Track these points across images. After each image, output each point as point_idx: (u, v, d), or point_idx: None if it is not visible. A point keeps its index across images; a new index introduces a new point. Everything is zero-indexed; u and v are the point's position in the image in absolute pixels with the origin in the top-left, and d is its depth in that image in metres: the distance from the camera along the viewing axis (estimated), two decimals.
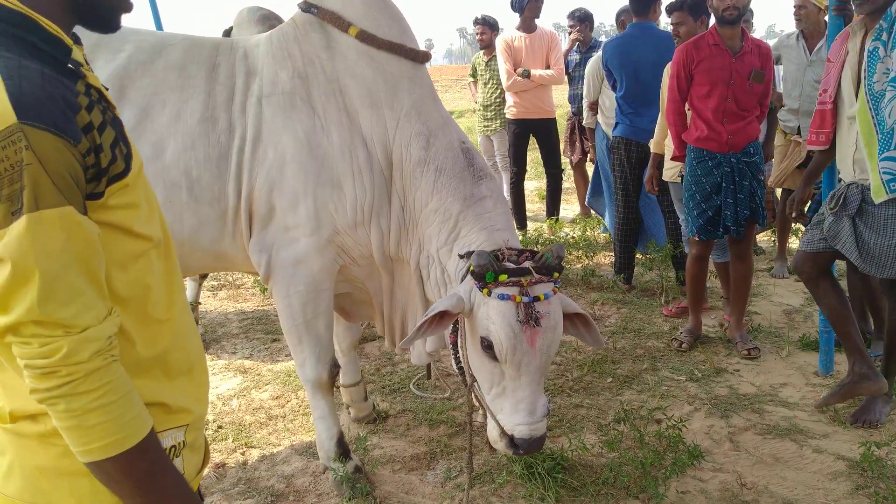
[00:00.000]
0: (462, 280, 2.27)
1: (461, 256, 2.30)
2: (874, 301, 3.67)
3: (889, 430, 3.06)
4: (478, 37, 6.79)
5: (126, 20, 1.22)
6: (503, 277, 2.06)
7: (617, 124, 4.92)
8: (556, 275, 2.14)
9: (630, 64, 4.67)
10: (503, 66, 6.08)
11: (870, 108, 2.82)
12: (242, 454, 3.15)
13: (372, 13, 2.50)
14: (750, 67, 3.67)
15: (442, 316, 2.18)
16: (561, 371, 3.79)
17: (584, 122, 6.03)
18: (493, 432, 2.19)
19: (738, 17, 3.60)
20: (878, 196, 2.85)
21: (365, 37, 2.46)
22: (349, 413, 3.39)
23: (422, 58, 2.56)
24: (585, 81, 5.77)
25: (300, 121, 2.45)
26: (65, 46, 1.05)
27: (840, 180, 3.13)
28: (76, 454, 1.03)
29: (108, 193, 1.06)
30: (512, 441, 2.12)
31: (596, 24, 6.72)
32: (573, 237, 5.83)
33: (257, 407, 3.58)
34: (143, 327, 1.16)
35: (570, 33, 6.53)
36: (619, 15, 5.65)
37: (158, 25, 5.74)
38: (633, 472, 2.71)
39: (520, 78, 5.98)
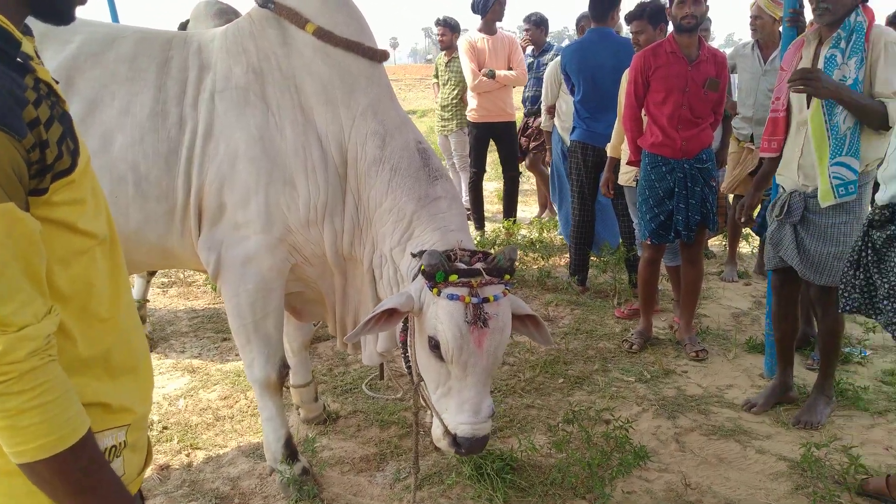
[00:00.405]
0: (413, 279, 2.26)
1: (413, 255, 2.29)
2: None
3: (829, 432, 3.14)
4: (438, 38, 6.79)
5: (81, 12, 1.20)
6: (453, 278, 2.06)
7: (574, 129, 4.96)
8: (508, 277, 2.14)
9: (588, 69, 4.72)
10: (468, 65, 6.07)
11: (824, 113, 2.89)
12: (187, 456, 3.08)
13: (330, 10, 2.47)
14: (705, 76, 3.73)
15: (391, 314, 2.16)
16: (513, 372, 3.81)
17: (541, 125, 6.07)
18: (436, 431, 2.19)
19: (696, 25, 3.67)
20: (826, 200, 2.93)
21: (322, 34, 2.43)
22: (299, 414, 3.34)
23: (379, 56, 2.54)
24: (544, 86, 5.80)
25: (253, 116, 2.41)
26: (14, 40, 1.02)
27: (780, 187, 3.20)
28: (9, 455, 1.00)
29: (52, 190, 1.04)
30: (455, 440, 2.11)
31: (559, 28, 6.79)
32: (530, 239, 5.87)
33: (204, 407, 3.51)
34: (85, 325, 1.13)
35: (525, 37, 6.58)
36: (579, 20, 5.69)
37: (115, 18, 5.60)
38: (581, 472, 2.73)
39: (485, 78, 5.99)
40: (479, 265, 2.13)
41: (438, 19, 6.84)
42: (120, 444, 1.19)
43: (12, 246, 0.96)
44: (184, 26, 3.84)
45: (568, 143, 5.46)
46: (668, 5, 3.78)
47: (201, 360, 4.09)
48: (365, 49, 2.48)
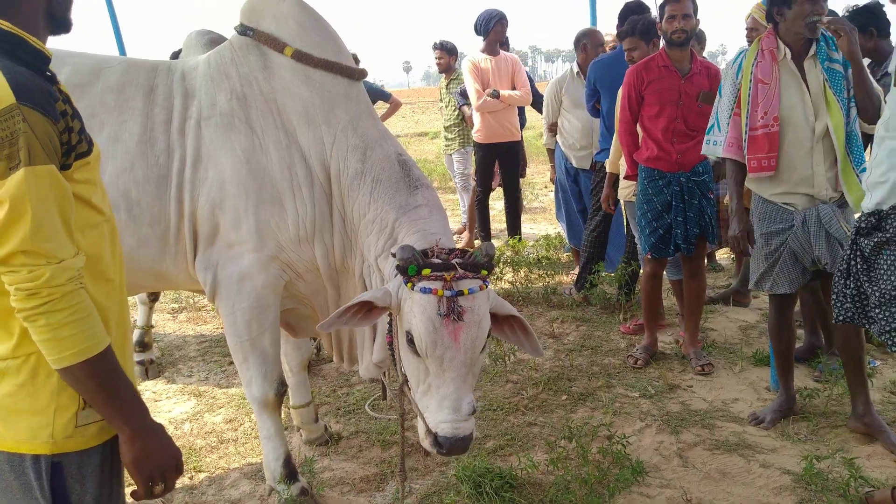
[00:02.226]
0: (395, 277, 2.28)
1: (392, 255, 2.31)
2: (825, 316, 3.74)
3: (835, 444, 3.10)
4: (436, 61, 6.87)
5: (74, 44, 1.39)
6: (426, 272, 2.06)
7: (601, 150, 4.90)
8: (485, 273, 2.13)
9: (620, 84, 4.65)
10: (472, 86, 6.11)
11: (847, 122, 2.90)
12: (190, 479, 3.10)
13: (306, 33, 2.54)
14: (698, 88, 3.74)
15: (369, 308, 2.18)
16: (516, 389, 3.80)
17: (543, 143, 6.06)
18: (420, 430, 2.18)
19: (687, 39, 3.69)
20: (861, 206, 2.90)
21: (300, 56, 2.50)
22: (301, 436, 3.36)
23: (357, 75, 2.60)
24: (545, 104, 5.79)
25: (239, 141, 2.47)
26: (45, 58, 1.35)
27: (784, 208, 3.12)
28: (52, 363, 1.28)
29: (74, 167, 1.32)
30: (436, 440, 2.09)
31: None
32: (536, 256, 5.86)
33: (209, 430, 3.54)
34: (97, 283, 1.41)
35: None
36: (579, 39, 5.56)
37: (122, 51, 5.76)
38: (579, 489, 2.71)
39: (489, 98, 6.04)
40: (455, 261, 2.12)
41: (435, 43, 6.92)
42: None
43: (54, 197, 1.26)
44: (176, 55, 3.93)
45: (573, 162, 5.45)
46: (658, 21, 3.80)
47: (208, 384, 4.13)
48: (343, 68, 2.55)
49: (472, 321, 2.05)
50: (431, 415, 2.11)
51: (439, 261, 2.13)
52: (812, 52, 3.00)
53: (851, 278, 2.47)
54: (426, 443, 2.14)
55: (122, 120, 2.46)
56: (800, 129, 3.03)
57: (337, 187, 2.52)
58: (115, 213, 2.40)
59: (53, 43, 1.48)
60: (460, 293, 2.04)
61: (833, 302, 2.58)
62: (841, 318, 2.55)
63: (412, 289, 2.07)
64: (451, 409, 2.07)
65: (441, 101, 7.14)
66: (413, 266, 2.07)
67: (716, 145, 3.27)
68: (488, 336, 2.15)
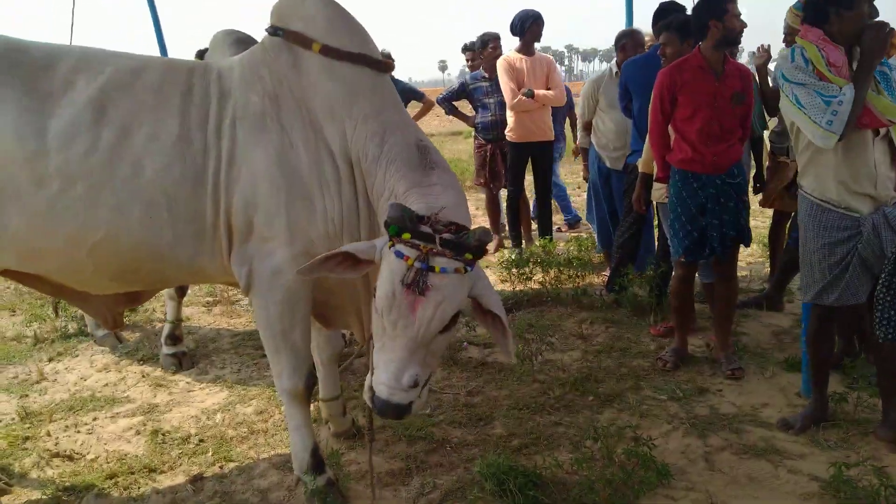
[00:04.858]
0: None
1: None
2: (861, 322, 3.68)
3: (868, 452, 3.05)
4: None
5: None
6: (406, 236, 2.06)
7: (633, 152, 4.87)
8: (470, 256, 2.09)
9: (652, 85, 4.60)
10: (507, 85, 6.12)
11: None
12: (221, 468, 3.19)
13: (333, 28, 2.60)
14: (732, 90, 3.70)
15: (355, 261, 2.21)
16: (544, 389, 3.81)
17: (577, 141, 6.04)
18: (367, 381, 2.22)
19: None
20: None
21: (328, 51, 2.56)
22: (329, 428, 3.42)
23: (384, 67, 2.64)
24: (581, 103, 5.78)
25: (271, 140, 2.53)
26: None
27: (850, 213, 2.97)
28: None
29: None
30: (373, 398, 2.13)
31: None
32: (567, 257, 5.84)
33: (240, 421, 3.62)
34: None
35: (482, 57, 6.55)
36: (619, 39, 5.42)
37: (164, 52, 5.92)
38: (603, 490, 2.72)
39: (524, 97, 6.04)
40: (446, 236, 2.09)
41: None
42: None
43: None
44: (201, 54, 4.01)
45: (607, 162, 5.43)
46: (712, 19, 3.66)
47: (240, 375, 4.22)
48: (369, 60, 2.59)
49: (433, 299, 2.02)
50: (376, 373, 2.14)
51: (428, 230, 2.10)
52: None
53: (891, 291, 2.42)
54: (366, 396, 2.19)
55: (160, 119, 2.53)
56: (857, 131, 2.92)
57: (359, 174, 2.56)
58: (155, 210, 2.51)
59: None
60: (431, 269, 2.02)
61: (878, 320, 2.52)
62: (891, 336, 2.48)
63: (390, 249, 2.09)
64: (393, 374, 2.08)
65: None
66: (395, 227, 2.06)
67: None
68: (456, 320, 2.14)
